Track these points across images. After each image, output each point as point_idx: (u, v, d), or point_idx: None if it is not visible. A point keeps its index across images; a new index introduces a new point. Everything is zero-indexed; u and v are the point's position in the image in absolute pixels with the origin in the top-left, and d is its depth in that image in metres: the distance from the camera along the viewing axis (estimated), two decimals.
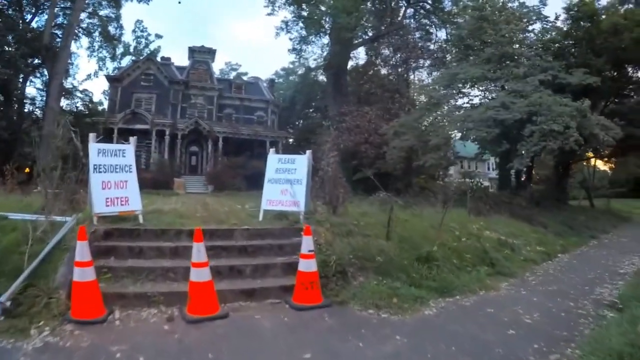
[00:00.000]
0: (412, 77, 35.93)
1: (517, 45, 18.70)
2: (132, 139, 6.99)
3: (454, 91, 17.42)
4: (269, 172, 7.79)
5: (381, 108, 22.39)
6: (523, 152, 14.68)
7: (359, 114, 19.74)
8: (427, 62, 34.95)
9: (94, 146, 6.35)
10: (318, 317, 4.71)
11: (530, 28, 19.78)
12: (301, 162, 7.70)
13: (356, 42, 30.94)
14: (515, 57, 17.80)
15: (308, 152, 7.94)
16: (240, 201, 14.27)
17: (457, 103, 18.01)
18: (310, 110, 43.01)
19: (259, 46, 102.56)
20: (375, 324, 4.58)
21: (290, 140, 37.49)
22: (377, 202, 9.46)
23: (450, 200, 10.64)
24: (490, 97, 18.03)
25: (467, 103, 17.97)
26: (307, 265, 5.04)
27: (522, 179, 21.43)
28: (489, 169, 52.00)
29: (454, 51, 22.66)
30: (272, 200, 7.54)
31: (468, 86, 18.84)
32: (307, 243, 5.12)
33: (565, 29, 20.04)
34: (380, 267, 6.01)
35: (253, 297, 5.02)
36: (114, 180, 6.36)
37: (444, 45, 30.46)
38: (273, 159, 7.97)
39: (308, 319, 4.60)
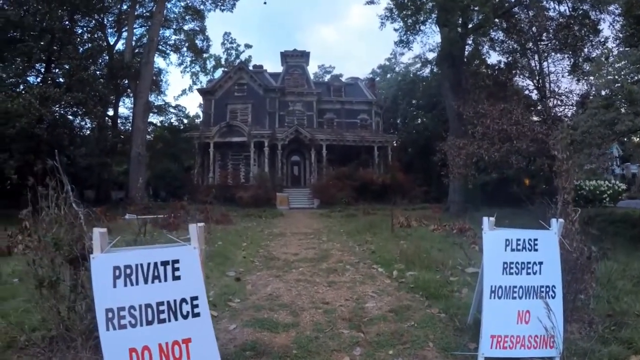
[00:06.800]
0: (536, 62, 30.06)
1: None
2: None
3: None
4: (490, 273, 3.51)
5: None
6: None
7: (502, 115, 15.43)
8: (553, 43, 29.04)
9: None
10: None
11: None
12: (549, 248, 3.65)
13: (471, 25, 26.21)
14: None
15: (555, 222, 3.65)
16: (372, 240, 11.35)
17: None
18: (411, 108, 38.82)
19: (349, 49, 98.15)
20: None
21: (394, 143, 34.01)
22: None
23: None
24: None
25: None
26: None
27: None
28: None
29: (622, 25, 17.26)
30: (500, 336, 3.41)
31: None
32: None
33: None
34: None
35: None
36: None
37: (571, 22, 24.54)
38: (496, 242, 3.59)
39: None
